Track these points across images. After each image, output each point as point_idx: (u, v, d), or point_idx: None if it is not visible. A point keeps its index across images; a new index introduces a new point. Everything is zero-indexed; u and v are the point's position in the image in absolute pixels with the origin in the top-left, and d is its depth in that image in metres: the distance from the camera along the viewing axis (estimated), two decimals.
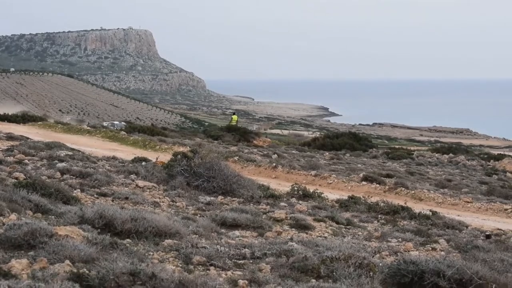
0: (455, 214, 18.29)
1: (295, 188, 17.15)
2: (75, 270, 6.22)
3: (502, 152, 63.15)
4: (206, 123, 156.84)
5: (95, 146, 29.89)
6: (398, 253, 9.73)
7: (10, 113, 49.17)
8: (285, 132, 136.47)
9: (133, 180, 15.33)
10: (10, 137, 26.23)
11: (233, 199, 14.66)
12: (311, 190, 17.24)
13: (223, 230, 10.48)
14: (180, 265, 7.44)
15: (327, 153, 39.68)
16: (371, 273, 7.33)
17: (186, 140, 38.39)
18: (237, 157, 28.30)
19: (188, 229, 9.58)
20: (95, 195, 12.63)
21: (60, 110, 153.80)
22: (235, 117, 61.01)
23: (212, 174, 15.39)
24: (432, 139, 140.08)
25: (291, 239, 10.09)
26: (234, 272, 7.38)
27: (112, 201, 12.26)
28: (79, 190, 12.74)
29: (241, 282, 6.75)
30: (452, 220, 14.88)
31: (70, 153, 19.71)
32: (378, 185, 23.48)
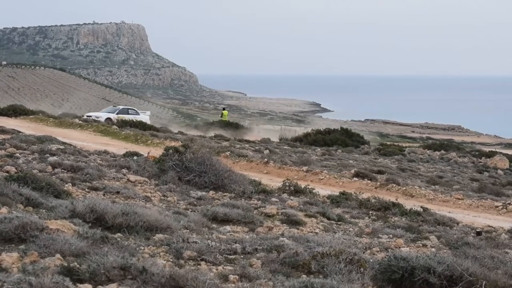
0: (446, 210, 18.35)
1: (287, 184, 17.16)
2: (65, 264, 6.21)
3: (493, 149, 63.31)
4: (198, 118, 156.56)
5: (87, 140, 29.85)
6: (389, 249, 9.75)
7: (1, 107, 49.02)
8: (277, 127, 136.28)
9: (124, 175, 15.31)
10: (1, 130, 26.17)
11: (225, 194, 14.66)
12: (303, 186, 17.26)
13: (214, 225, 10.49)
14: (171, 260, 7.44)
15: (319, 149, 39.66)
16: (362, 269, 7.35)
17: (178, 135, 38.38)
18: (229, 152, 28.29)
19: (179, 223, 9.58)
20: (86, 189, 12.62)
21: (52, 104, 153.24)
22: (225, 112, 61.34)
23: (203, 169, 15.39)
24: (423, 135, 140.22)
25: (282, 235, 10.11)
26: (225, 267, 7.38)
27: (104, 195, 12.24)
28: (70, 184, 12.73)
29: (231, 277, 6.75)
30: (443, 217, 14.92)
31: (61, 147, 19.68)
32: (369, 181, 23.50)
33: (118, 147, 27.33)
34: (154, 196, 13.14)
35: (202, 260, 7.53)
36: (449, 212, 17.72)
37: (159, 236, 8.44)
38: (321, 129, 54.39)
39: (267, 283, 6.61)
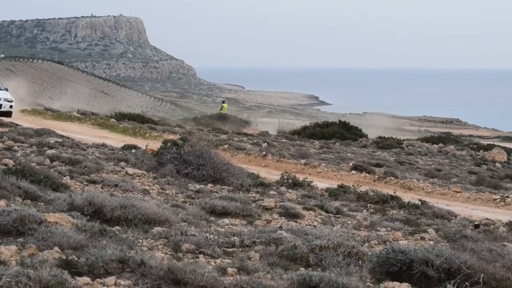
0: (444, 203, 18.35)
1: (285, 177, 17.14)
2: (64, 257, 6.21)
3: (491, 142, 63.24)
4: (197, 111, 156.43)
5: (85, 133, 29.82)
6: (387, 242, 9.75)
7: None
8: (275, 120, 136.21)
9: (122, 168, 15.29)
10: None
11: (223, 187, 14.65)
12: (301, 179, 17.23)
13: (212, 218, 10.48)
14: (169, 253, 7.44)
15: (317, 142, 39.62)
16: (360, 262, 7.35)
17: (176, 128, 38.37)
18: (227, 145, 28.27)
19: (178, 216, 9.57)
20: (85, 182, 12.61)
21: (50, 97, 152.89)
22: (225, 105, 61.28)
23: (202, 162, 15.37)
24: (422, 128, 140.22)
25: (280, 228, 10.10)
26: (223, 260, 7.39)
27: (102, 188, 12.23)
28: (68, 177, 12.71)
29: (230, 270, 6.75)
30: (441, 210, 14.92)
31: (59, 140, 19.64)
32: (367, 174, 23.50)
33: (116, 140, 27.30)
34: (152, 189, 13.13)
35: (200, 253, 7.53)
36: (447, 205, 17.72)
37: (157, 229, 8.44)
38: (319, 122, 54.34)
39: (265, 276, 6.61)
